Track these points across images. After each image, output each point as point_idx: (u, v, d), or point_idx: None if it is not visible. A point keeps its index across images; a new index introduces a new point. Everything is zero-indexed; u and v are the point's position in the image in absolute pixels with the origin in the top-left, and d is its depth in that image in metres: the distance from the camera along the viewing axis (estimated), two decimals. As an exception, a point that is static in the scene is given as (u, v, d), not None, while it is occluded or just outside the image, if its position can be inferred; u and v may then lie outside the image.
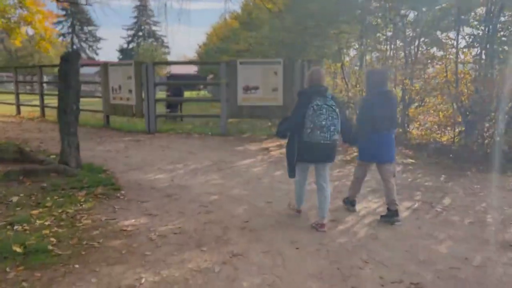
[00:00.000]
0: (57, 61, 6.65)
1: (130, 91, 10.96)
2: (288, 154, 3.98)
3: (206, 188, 5.50)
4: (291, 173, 4.02)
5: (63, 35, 62.03)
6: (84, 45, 63.77)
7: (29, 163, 6.56)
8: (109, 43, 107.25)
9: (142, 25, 70.29)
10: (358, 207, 4.69)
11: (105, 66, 11.53)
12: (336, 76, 12.33)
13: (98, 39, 65.60)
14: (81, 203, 4.66)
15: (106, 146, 8.54)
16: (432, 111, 8.27)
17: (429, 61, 8.34)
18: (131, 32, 69.52)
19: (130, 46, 65.53)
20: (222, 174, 6.23)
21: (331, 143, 3.75)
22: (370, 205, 4.86)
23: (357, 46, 11.23)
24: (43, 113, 13.92)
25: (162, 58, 53.78)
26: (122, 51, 63.69)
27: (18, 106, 15.00)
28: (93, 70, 45.31)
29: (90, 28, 64.48)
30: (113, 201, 4.82)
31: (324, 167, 3.99)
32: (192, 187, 5.52)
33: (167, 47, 68.93)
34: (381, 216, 4.29)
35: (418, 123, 8.49)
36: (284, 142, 4.30)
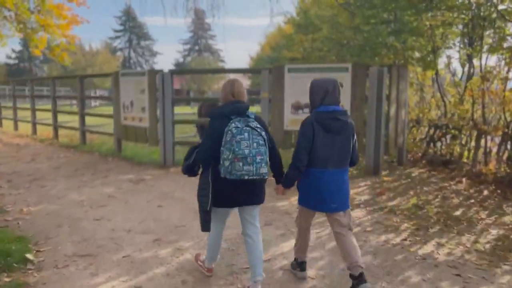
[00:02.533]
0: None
1: (143, 109, 8.26)
2: (199, 197, 2.85)
3: None
4: (205, 224, 2.90)
5: (121, 49, 62.80)
6: (140, 59, 64.07)
7: None
8: (165, 57, 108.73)
9: (199, 39, 69.75)
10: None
11: (116, 75, 8.94)
12: (423, 89, 8.83)
13: (154, 54, 65.74)
14: None
15: (85, 192, 5.77)
16: None
17: None
18: (187, 46, 69.21)
19: (187, 60, 64.92)
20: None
21: (258, 179, 2.69)
22: None
23: (462, 45, 7.71)
24: (56, 134, 11.67)
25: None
26: (177, 65, 63.07)
27: (34, 124, 12.95)
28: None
29: (147, 42, 64.83)
30: None
31: (252, 211, 2.95)
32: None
33: (223, 61, 67.78)
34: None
35: None
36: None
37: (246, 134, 2.64)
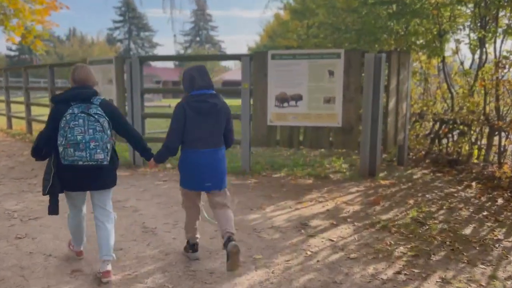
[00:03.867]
0: None
1: (110, 101, 7.34)
2: (43, 181, 2.89)
3: None
4: (52, 207, 2.88)
5: (120, 40, 61.78)
6: (140, 51, 62.93)
7: None
8: (166, 49, 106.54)
9: (200, 30, 68.60)
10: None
11: (84, 62, 8.01)
12: (427, 79, 7.85)
13: (154, 45, 64.65)
14: None
15: (25, 199, 4.90)
16: None
17: None
18: (188, 38, 68.09)
19: (187, 52, 63.81)
20: None
21: (95, 164, 2.71)
22: None
23: (473, 26, 6.71)
24: (30, 128, 10.79)
25: (217, 63, 51.14)
26: (178, 56, 61.93)
27: (9, 118, 12.08)
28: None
29: (146, 33, 63.72)
30: None
31: (100, 196, 2.98)
32: None
33: (224, 52, 66.63)
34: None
35: None
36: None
37: (80, 121, 2.65)
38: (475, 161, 6.46)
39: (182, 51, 65.36)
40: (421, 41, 7.58)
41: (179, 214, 4.33)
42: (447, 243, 3.51)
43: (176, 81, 48.34)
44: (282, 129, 6.30)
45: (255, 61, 6.34)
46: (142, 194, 5.12)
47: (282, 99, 6.23)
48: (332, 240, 3.59)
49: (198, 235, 3.28)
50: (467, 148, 6.59)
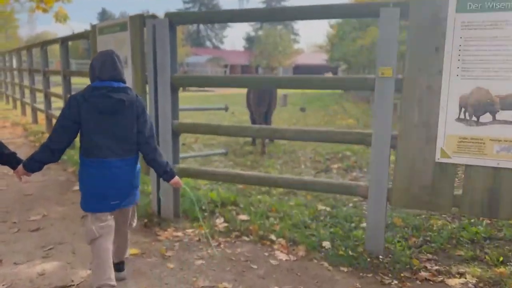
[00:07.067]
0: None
1: (127, 95, 4.18)
2: None
3: None
4: None
5: (190, 22, 60.06)
6: (210, 33, 60.78)
7: None
8: (236, 30, 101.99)
9: (272, 11, 64.89)
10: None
11: (93, 33, 4.91)
12: None
13: (224, 27, 61.97)
14: None
15: None
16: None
17: None
18: (259, 19, 64.74)
19: (258, 33, 60.59)
20: None
21: None
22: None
23: None
24: (50, 125, 8.03)
25: (289, 46, 47.42)
26: (248, 39, 59.04)
27: (34, 110, 9.56)
28: (203, 58, 40.92)
29: (217, 14, 61.29)
30: None
31: None
32: None
33: (297, 34, 62.50)
34: None
35: None
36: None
37: None
38: None
39: (252, 33, 62.14)
40: None
41: None
42: None
43: (246, 66, 45.40)
44: (471, 173, 2.71)
45: (413, 16, 2.77)
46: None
47: (480, 106, 2.64)
48: None
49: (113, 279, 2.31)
50: None
